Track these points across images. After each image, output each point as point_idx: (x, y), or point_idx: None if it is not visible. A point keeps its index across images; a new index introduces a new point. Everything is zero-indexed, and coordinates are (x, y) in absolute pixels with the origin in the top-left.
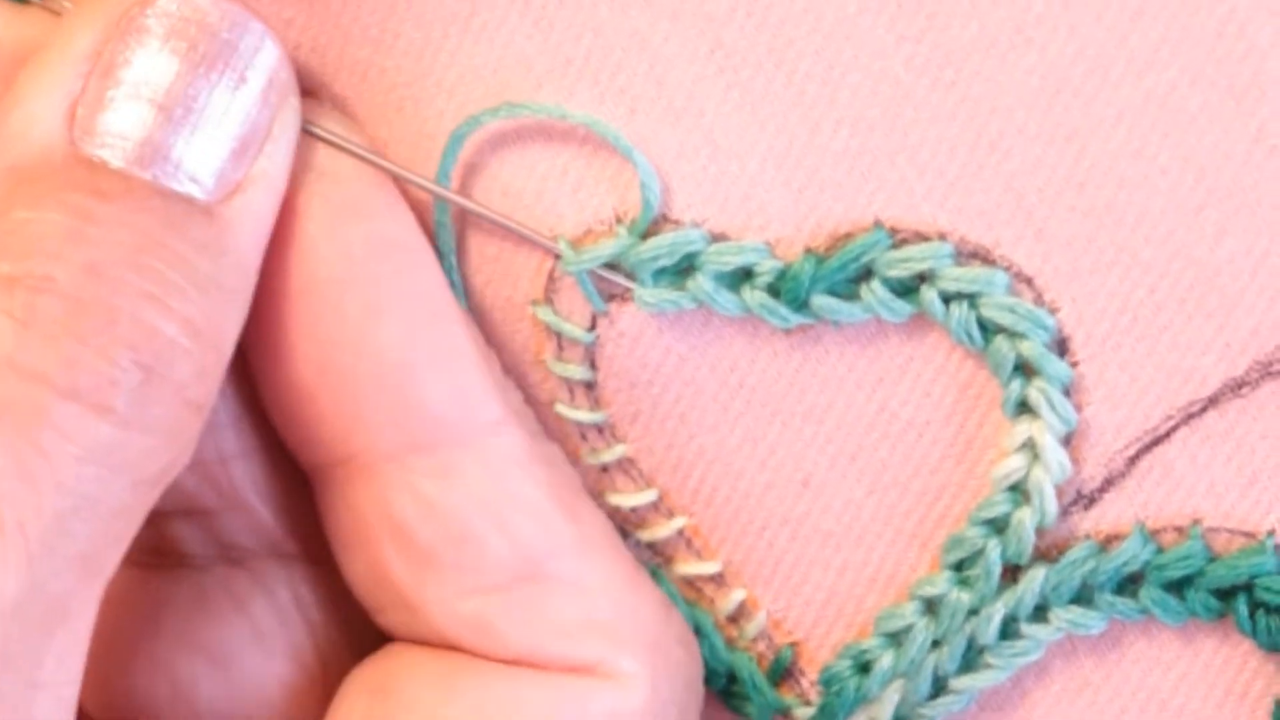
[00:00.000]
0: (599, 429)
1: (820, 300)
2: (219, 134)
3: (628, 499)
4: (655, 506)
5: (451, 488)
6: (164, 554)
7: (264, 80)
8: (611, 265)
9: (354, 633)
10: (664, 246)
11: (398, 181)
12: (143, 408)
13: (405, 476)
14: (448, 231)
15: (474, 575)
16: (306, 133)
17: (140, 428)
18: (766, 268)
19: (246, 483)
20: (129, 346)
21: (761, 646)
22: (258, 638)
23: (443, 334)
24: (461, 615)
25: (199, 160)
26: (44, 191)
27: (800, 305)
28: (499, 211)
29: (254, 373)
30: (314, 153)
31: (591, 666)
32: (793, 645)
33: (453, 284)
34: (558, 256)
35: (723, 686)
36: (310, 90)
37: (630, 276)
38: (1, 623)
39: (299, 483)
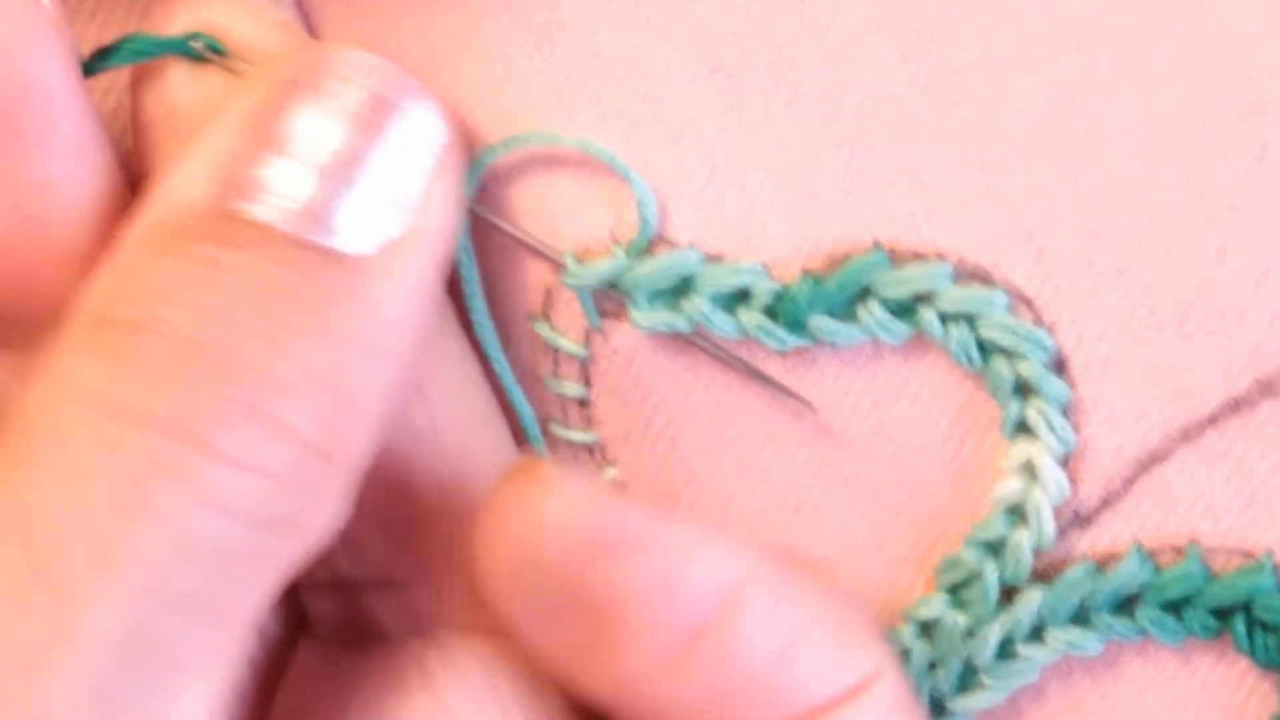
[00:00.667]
0: (590, 450)
1: (818, 322)
2: (371, 192)
3: None
4: None
5: None
6: (353, 628)
7: (421, 140)
8: (611, 288)
9: (550, 714)
10: (660, 268)
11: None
12: (249, 449)
13: None
14: (468, 253)
15: None
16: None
17: (248, 469)
18: (763, 289)
19: (443, 552)
20: (236, 386)
21: None
22: (446, 716)
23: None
24: None
25: (346, 216)
26: (177, 241)
27: (797, 327)
28: (510, 224)
29: None
30: None
31: None
32: None
33: (474, 300)
34: (560, 268)
35: None
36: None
37: (626, 298)
38: (100, 661)
39: None
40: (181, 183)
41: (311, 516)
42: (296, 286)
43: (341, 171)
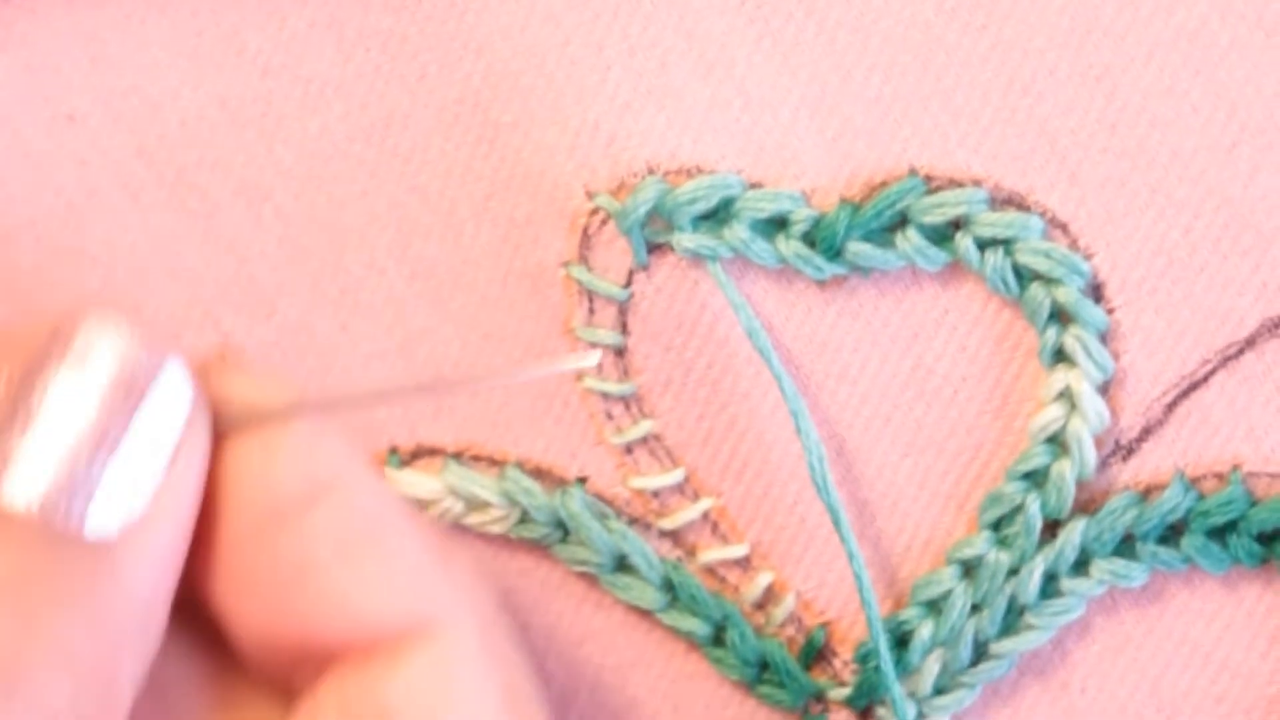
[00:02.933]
0: (626, 403)
1: (856, 248)
2: (119, 465)
3: (652, 481)
4: (681, 488)
5: (394, 681)
6: None
7: (169, 406)
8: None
9: None
10: (702, 189)
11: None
12: None
13: (362, 674)
14: (731, 287)
15: None
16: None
17: None
18: (802, 216)
19: None
20: None
21: (791, 630)
22: None
23: (382, 542)
24: None
25: (94, 494)
26: None
27: (835, 254)
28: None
29: (226, 632)
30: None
31: None
32: (824, 625)
33: (756, 337)
34: (593, 212)
35: (754, 676)
36: None
37: (668, 221)
38: None
39: None
40: None
41: None
42: (48, 572)
43: (91, 447)
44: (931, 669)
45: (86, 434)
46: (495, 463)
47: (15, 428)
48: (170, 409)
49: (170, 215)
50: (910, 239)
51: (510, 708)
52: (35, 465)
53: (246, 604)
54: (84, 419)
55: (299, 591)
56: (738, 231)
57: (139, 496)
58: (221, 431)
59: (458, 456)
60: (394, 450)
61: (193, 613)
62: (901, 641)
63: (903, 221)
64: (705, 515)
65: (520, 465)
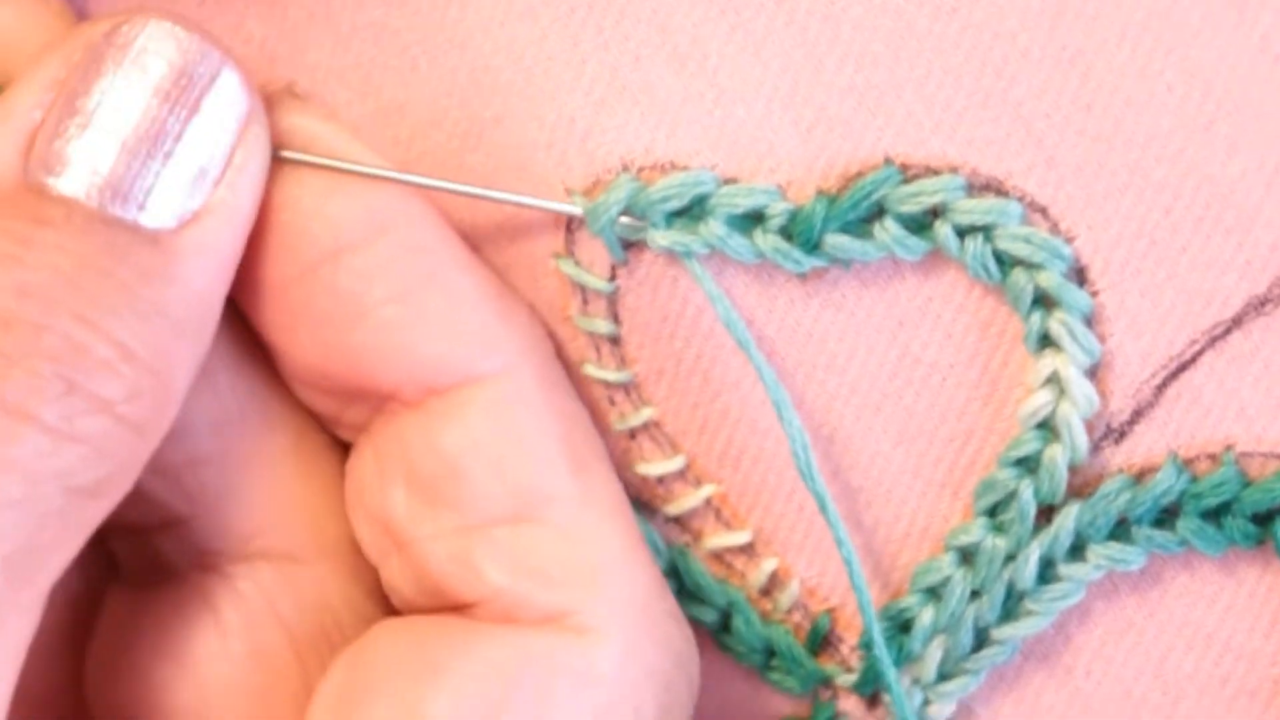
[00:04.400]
0: (626, 390)
1: (834, 240)
2: (174, 163)
3: (655, 467)
4: (683, 475)
5: (453, 427)
6: (153, 570)
7: (224, 110)
8: (626, 213)
9: (348, 642)
10: (674, 187)
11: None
12: (69, 420)
13: (420, 419)
14: (708, 280)
15: (466, 513)
16: (280, 160)
17: (67, 437)
18: (778, 210)
19: (219, 485)
20: (52, 360)
21: (797, 616)
22: (224, 640)
23: (440, 286)
24: (448, 551)
25: (151, 189)
26: None
27: (813, 247)
28: (508, 192)
29: (274, 361)
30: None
31: (562, 616)
32: (829, 612)
33: (734, 328)
34: (576, 218)
35: (762, 663)
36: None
37: (643, 219)
38: None
39: (281, 486)
40: None
41: (120, 480)
42: (106, 264)
43: (147, 145)
44: (934, 655)
45: (142, 132)
46: None
47: (73, 125)
48: (226, 114)
49: None
50: (888, 229)
51: (570, 454)
52: (93, 159)
53: (299, 337)
54: (139, 118)
55: (353, 328)
56: (713, 227)
57: (195, 195)
58: (279, 154)
59: None
60: None
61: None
62: (904, 628)
63: (880, 212)
64: (708, 501)
65: None
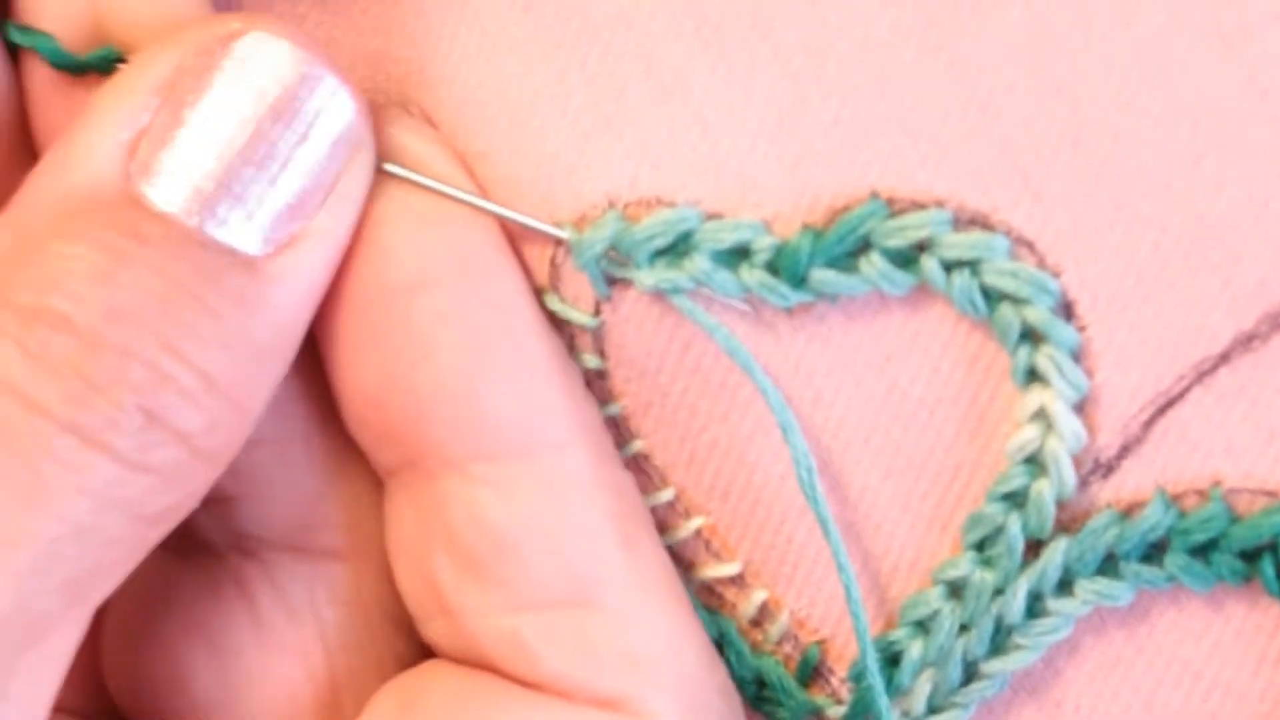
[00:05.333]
0: (614, 423)
1: (820, 275)
2: (278, 186)
3: (646, 500)
4: (673, 506)
5: (505, 501)
6: (183, 538)
7: (333, 135)
8: (611, 250)
9: (377, 644)
10: (658, 225)
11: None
12: (144, 451)
13: (465, 485)
14: (701, 313)
15: (517, 592)
16: (383, 172)
17: (141, 469)
18: (764, 245)
19: (270, 470)
20: (135, 390)
21: (788, 648)
22: (259, 631)
23: (514, 346)
24: (499, 630)
25: (251, 212)
26: (85, 227)
27: (800, 282)
28: (509, 208)
29: (327, 373)
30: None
31: (619, 702)
32: (819, 643)
33: (738, 355)
34: (559, 243)
35: (753, 694)
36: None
37: (629, 259)
38: None
39: (328, 480)
40: (88, 155)
41: (186, 506)
42: (198, 289)
43: (253, 165)
44: (923, 689)
45: (249, 151)
46: None
47: (180, 135)
48: (336, 138)
49: None
50: (874, 264)
51: (621, 532)
52: (195, 174)
53: (362, 360)
54: (248, 136)
55: (417, 366)
56: (698, 263)
57: (294, 220)
58: (382, 165)
59: None
60: None
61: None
62: (893, 661)
63: (866, 246)
64: (698, 533)
65: None
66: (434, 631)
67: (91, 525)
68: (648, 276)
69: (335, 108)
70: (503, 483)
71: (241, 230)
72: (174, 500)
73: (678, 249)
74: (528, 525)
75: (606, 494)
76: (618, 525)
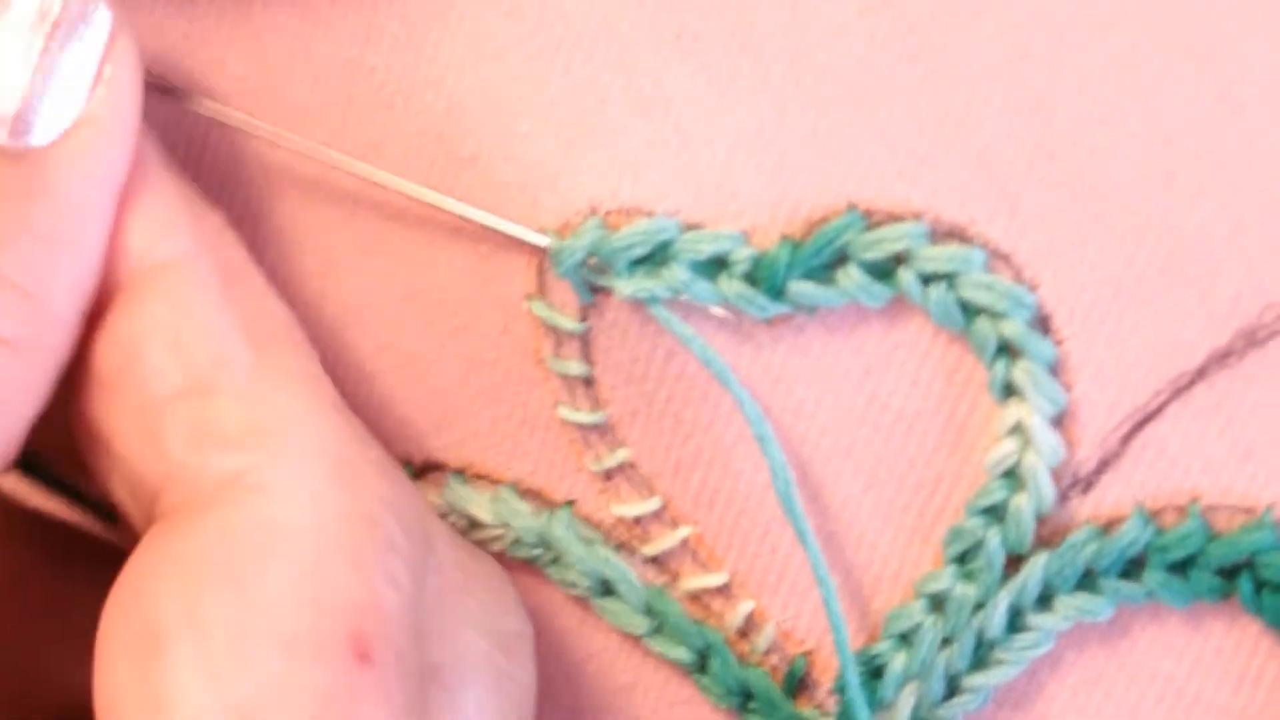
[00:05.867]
0: (600, 431)
1: (797, 286)
2: (35, 79)
3: (632, 508)
4: (659, 516)
5: (131, 315)
6: None
7: (85, 25)
8: (591, 257)
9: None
10: (637, 234)
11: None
12: None
13: (107, 319)
14: (677, 323)
15: (144, 391)
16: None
17: None
18: (742, 255)
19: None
20: None
21: (774, 659)
22: None
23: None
24: (135, 431)
25: (7, 105)
26: None
27: (778, 293)
28: (492, 215)
29: None
30: None
31: (235, 476)
32: (805, 655)
33: (713, 365)
34: (543, 250)
35: (739, 705)
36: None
37: (609, 267)
38: None
39: None
40: None
41: (17, 409)
42: None
43: (9, 63)
44: (907, 702)
45: (4, 46)
46: (494, 482)
47: None
48: (91, 26)
49: None
50: (852, 275)
51: (249, 332)
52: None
53: None
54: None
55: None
56: (677, 273)
57: (65, 112)
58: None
59: (460, 474)
60: (407, 463)
61: None
62: (876, 674)
63: (844, 258)
64: (685, 543)
65: (515, 486)
66: (100, 474)
67: None
68: (626, 285)
69: (89, 4)
70: (131, 301)
71: (7, 125)
72: None
73: (656, 259)
74: (148, 331)
75: (236, 302)
76: (245, 325)
